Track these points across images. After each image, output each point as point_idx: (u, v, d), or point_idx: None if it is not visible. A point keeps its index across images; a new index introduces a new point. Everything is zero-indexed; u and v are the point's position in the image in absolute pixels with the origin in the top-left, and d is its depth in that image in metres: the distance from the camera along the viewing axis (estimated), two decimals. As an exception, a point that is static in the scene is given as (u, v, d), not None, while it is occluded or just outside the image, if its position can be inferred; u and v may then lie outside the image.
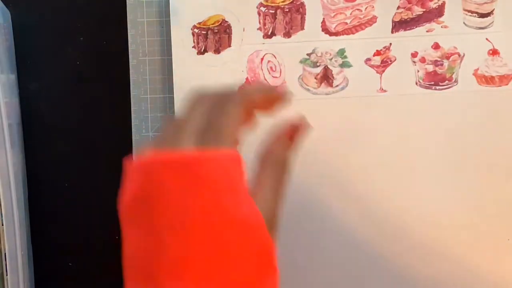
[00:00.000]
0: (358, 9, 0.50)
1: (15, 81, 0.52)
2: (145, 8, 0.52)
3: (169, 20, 0.50)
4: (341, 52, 0.50)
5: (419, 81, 0.51)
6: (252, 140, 0.51)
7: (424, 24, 0.50)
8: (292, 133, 0.38)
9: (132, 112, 0.52)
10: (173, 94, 0.50)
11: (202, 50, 0.50)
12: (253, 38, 0.50)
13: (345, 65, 0.50)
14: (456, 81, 0.51)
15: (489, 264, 0.51)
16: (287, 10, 0.50)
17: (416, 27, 0.50)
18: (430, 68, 0.50)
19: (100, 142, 0.54)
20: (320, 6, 0.50)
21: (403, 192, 0.51)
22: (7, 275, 0.47)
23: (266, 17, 0.50)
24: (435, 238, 0.51)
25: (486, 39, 0.50)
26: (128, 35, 0.52)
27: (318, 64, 0.50)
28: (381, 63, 0.50)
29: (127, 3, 0.52)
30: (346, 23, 0.50)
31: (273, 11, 0.50)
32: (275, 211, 0.35)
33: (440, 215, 0.51)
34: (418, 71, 0.51)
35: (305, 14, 0.50)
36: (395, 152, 0.51)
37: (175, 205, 0.32)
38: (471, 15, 0.50)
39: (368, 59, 0.50)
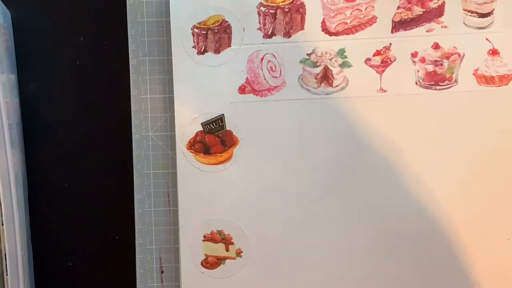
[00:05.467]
0: (358, 9, 0.50)
1: (15, 81, 0.52)
2: (145, 8, 0.52)
3: (169, 20, 0.50)
4: (341, 52, 0.50)
5: (419, 81, 0.51)
6: (254, 138, 0.51)
7: (424, 24, 0.50)
8: None
9: (132, 112, 0.52)
10: (173, 94, 0.51)
11: (202, 50, 0.50)
12: (253, 38, 0.50)
13: (345, 65, 0.50)
14: (456, 81, 0.51)
15: (489, 264, 0.51)
16: (287, 10, 0.50)
17: (416, 27, 0.50)
18: (430, 68, 0.50)
19: (100, 142, 0.54)
20: (320, 6, 0.50)
21: (402, 192, 0.51)
22: (7, 275, 0.47)
23: (266, 17, 0.50)
24: (434, 237, 0.51)
25: (486, 39, 0.50)
26: (128, 35, 0.52)
27: (318, 64, 0.50)
28: (381, 63, 0.50)
29: (127, 3, 0.52)
30: (346, 23, 0.50)
31: (273, 11, 0.50)
32: None
33: (439, 214, 0.51)
34: (418, 71, 0.51)
35: (305, 14, 0.50)
36: (394, 152, 0.51)
37: None
38: (471, 15, 0.50)
39: (368, 59, 0.50)
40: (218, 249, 0.52)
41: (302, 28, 0.50)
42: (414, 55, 0.50)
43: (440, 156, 0.51)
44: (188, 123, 0.51)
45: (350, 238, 0.51)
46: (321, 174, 0.51)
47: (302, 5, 0.50)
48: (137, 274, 0.53)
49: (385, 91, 0.51)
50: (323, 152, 0.51)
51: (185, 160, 0.51)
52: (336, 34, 0.50)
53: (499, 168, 0.51)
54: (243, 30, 0.50)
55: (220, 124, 0.51)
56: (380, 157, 0.51)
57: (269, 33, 0.50)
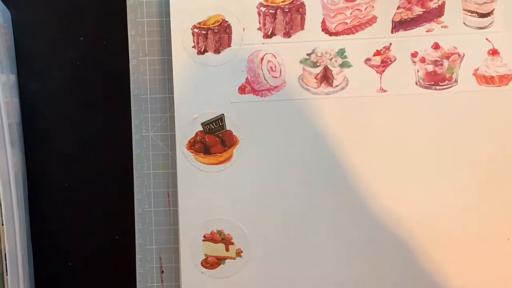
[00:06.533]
0: (358, 9, 0.50)
1: (15, 81, 0.52)
2: (145, 8, 0.52)
3: (169, 20, 0.50)
4: (341, 52, 0.50)
5: (419, 81, 0.51)
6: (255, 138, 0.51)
7: (424, 24, 0.50)
8: None
9: (132, 112, 0.52)
10: (173, 94, 0.51)
11: (202, 50, 0.50)
12: (253, 38, 0.50)
13: (345, 65, 0.50)
14: (456, 81, 0.51)
15: (489, 264, 0.51)
16: (287, 10, 0.50)
17: (416, 27, 0.50)
18: (430, 68, 0.50)
19: (100, 142, 0.54)
20: (320, 6, 0.50)
21: (402, 192, 0.51)
22: (7, 275, 0.47)
23: (266, 17, 0.50)
24: (435, 237, 0.51)
25: (486, 39, 0.50)
26: (128, 35, 0.52)
27: (318, 64, 0.50)
28: (381, 63, 0.50)
29: (127, 3, 0.52)
30: (346, 23, 0.50)
31: (273, 11, 0.50)
32: None
33: (439, 214, 0.51)
34: (418, 71, 0.51)
35: (305, 14, 0.50)
36: (394, 152, 0.51)
37: None
38: (471, 15, 0.50)
39: (368, 59, 0.50)
40: (218, 249, 0.52)
41: (302, 28, 0.50)
42: (414, 55, 0.50)
43: (440, 156, 0.51)
44: (188, 123, 0.51)
45: (350, 238, 0.51)
46: (320, 174, 0.51)
47: (302, 5, 0.50)
48: (137, 274, 0.53)
49: (385, 91, 0.51)
50: (323, 152, 0.51)
51: (185, 160, 0.51)
52: (336, 34, 0.50)
53: (499, 167, 0.51)
54: (243, 30, 0.50)
55: (220, 124, 0.51)
56: (379, 157, 0.51)
57: (269, 33, 0.50)
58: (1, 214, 0.47)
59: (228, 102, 0.50)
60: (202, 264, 0.52)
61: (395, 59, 0.50)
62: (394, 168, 0.51)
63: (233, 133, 0.51)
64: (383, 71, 0.50)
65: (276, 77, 0.51)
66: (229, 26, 0.50)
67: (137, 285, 0.53)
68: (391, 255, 0.51)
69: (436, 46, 0.50)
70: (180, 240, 0.51)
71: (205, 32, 0.50)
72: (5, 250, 0.47)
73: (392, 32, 0.50)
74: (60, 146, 0.54)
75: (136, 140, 0.52)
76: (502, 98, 0.51)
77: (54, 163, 0.54)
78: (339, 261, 0.51)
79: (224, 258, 0.52)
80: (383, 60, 0.50)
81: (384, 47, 0.50)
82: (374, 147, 0.51)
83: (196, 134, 0.51)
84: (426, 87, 0.51)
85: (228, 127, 0.51)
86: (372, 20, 0.50)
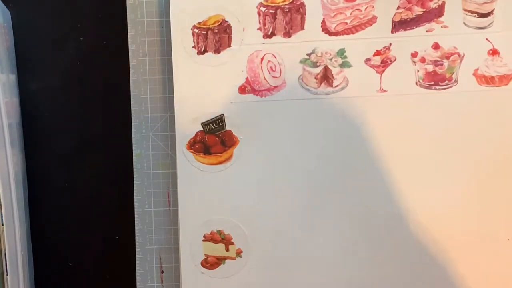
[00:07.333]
0: (358, 9, 0.50)
1: (15, 81, 0.52)
2: (145, 8, 0.52)
3: (169, 20, 0.50)
4: (341, 52, 0.50)
5: (419, 81, 0.51)
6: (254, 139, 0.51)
7: (424, 24, 0.50)
8: None
9: (132, 112, 0.52)
10: (173, 94, 0.51)
11: (202, 50, 0.50)
12: (253, 38, 0.50)
13: (345, 65, 0.50)
14: (456, 81, 0.51)
15: (489, 264, 0.51)
16: (287, 10, 0.50)
17: (416, 27, 0.50)
18: (430, 68, 0.50)
19: (100, 142, 0.54)
20: (320, 6, 0.50)
21: (402, 192, 0.51)
22: (7, 275, 0.47)
23: (266, 17, 0.50)
24: (434, 238, 0.51)
25: (486, 39, 0.50)
26: (128, 35, 0.52)
27: (318, 64, 0.50)
28: (381, 63, 0.50)
29: (127, 3, 0.52)
30: (346, 23, 0.50)
31: (273, 11, 0.50)
32: None
33: (439, 214, 0.51)
34: (418, 71, 0.51)
35: (305, 14, 0.50)
36: (394, 152, 0.51)
37: None
38: (471, 15, 0.50)
39: (368, 59, 0.50)
40: (218, 249, 0.52)
41: (302, 28, 0.50)
42: (414, 55, 0.50)
43: (440, 156, 0.51)
44: (188, 123, 0.51)
45: (351, 239, 0.51)
46: (321, 174, 0.51)
47: (302, 5, 0.50)
48: (137, 274, 0.53)
49: (385, 91, 0.51)
50: (323, 152, 0.51)
51: (185, 160, 0.51)
52: (336, 34, 0.50)
53: (499, 167, 0.51)
54: (243, 30, 0.50)
55: (220, 124, 0.51)
56: (380, 157, 0.51)
57: (269, 33, 0.50)
58: (1, 214, 0.47)
59: (228, 102, 0.50)
60: (202, 264, 0.52)
61: (395, 59, 0.50)
62: (394, 168, 0.51)
63: (233, 133, 0.51)
64: (383, 71, 0.50)
65: (276, 77, 0.51)
66: (229, 26, 0.50)
67: (137, 285, 0.53)
68: (391, 255, 0.51)
69: (436, 46, 0.50)
70: (180, 240, 0.51)
71: (205, 32, 0.50)
72: (5, 250, 0.47)
73: (392, 32, 0.50)
74: (60, 146, 0.54)
75: (136, 140, 0.52)
76: (502, 98, 0.51)
77: (54, 163, 0.54)
78: (339, 261, 0.51)
79: (224, 258, 0.52)
80: (383, 60, 0.50)
81: (384, 47, 0.50)
82: (374, 147, 0.51)
83: (196, 134, 0.51)
84: (426, 87, 0.51)
85: (228, 127, 0.51)
86: (372, 20, 0.50)
